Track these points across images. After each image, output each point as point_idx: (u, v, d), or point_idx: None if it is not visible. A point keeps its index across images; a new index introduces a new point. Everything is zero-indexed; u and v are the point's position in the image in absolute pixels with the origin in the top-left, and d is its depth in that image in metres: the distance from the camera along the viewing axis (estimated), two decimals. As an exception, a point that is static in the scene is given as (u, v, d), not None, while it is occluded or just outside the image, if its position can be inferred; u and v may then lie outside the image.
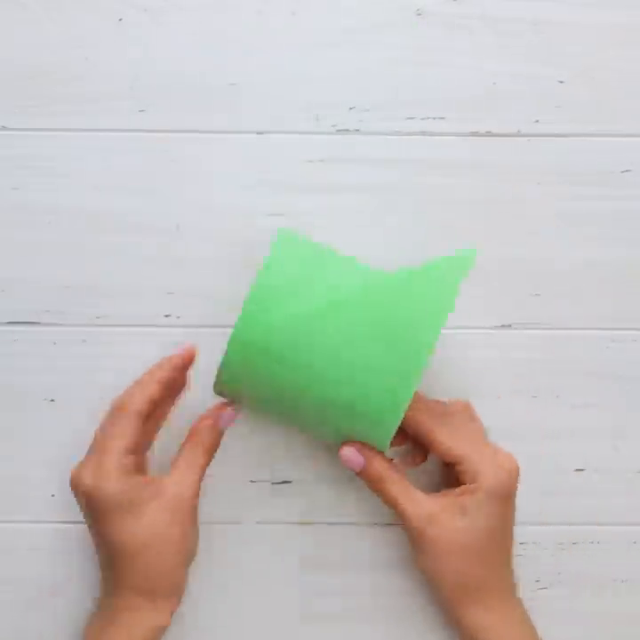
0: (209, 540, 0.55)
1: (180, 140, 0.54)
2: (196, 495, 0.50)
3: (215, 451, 0.51)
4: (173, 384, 0.51)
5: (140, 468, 0.50)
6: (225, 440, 0.54)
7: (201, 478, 0.50)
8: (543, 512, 0.55)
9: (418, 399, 0.51)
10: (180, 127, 0.54)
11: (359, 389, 0.46)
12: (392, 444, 0.49)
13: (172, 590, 0.50)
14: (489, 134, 0.54)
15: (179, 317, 0.54)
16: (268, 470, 0.55)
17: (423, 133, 0.53)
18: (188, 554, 0.50)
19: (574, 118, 0.54)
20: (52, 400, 0.54)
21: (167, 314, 0.54)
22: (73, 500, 0.55)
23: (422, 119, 0.54)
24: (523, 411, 0.55)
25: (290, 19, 0.53)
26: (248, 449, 0.55)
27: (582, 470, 0.55)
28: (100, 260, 0.54)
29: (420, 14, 0.53)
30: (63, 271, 0.54)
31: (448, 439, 0.50)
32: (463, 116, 0.54)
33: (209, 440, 0.51)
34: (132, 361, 0.54)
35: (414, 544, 0.50)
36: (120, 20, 0.53)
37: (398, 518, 0.50)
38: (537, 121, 0.54)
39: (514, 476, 0.50)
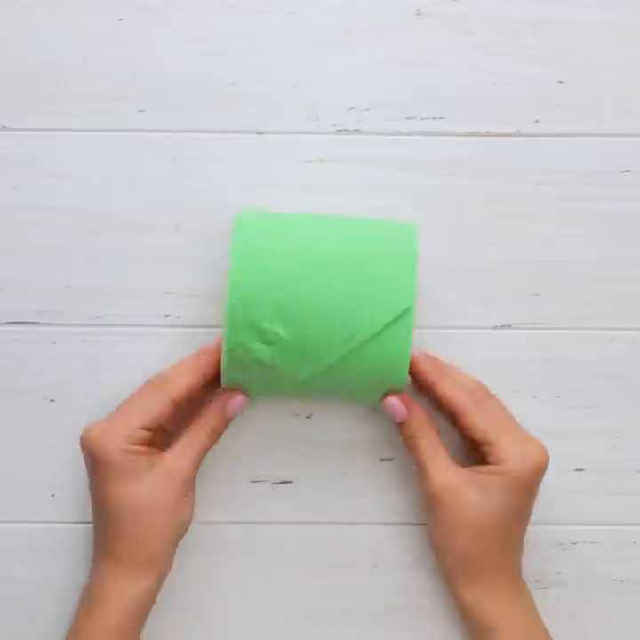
0: (209, 539, 0.55)
1: (180, 139, 0.54)
2: (193, 470, 0.50)
3: (219, 435, 0.51)
4: (212, 378, 0.51)
5: (151, 446, 0.50)
6: (225, 440, 0.54)
7: (200, 456, 0.51)
8: (543, 512, 0.55)
9: (451, 376, 0.51)
10: (180, 127, 0.54)
11: (361, 336, 0.47)
12: None
13: (155, 561, 0.50)
14: (488, 134, 0.54)
15: (179, 317, 0.54)
16: (267, 470, 0.55)
17: (423, 133, 0.53)
18: (177, 526, 0.50)
19: (574, 118, 0.54)
20: (52, 400, 0.54)
21: (167, 314, 0.54)
22: (73, 499, 0.55)
23: (422, 119, 0.54)
24: (523, 411, 0.55)
25: (290, 19, 0.53)
26: (248, 449, 0.55)
27: (582, 470, 0.55)
28: (100, 260, 0.54)
29: (419, 14, 0.53)
30: (63, 271, 0.54)
31: (482, 421, 0.50)
32: (463, 116, 0.54)
33: (214, 423, 0.51)
34: (132, 361, 0.54)
35: (428, 508, 0.51)
36: (120, 19, 0.53)
37: (419, 477, 0.51)
38: (537, 121, 0.54)
39: (539, 470, 0.50)
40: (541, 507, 0.55)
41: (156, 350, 0.54)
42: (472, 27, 0.53)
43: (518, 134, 0.54)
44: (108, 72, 0.53)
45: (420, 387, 0.52)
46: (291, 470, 0.55)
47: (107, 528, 0.50)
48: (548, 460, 0.50)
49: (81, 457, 0.50)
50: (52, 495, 0.55)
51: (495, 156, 0.54)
